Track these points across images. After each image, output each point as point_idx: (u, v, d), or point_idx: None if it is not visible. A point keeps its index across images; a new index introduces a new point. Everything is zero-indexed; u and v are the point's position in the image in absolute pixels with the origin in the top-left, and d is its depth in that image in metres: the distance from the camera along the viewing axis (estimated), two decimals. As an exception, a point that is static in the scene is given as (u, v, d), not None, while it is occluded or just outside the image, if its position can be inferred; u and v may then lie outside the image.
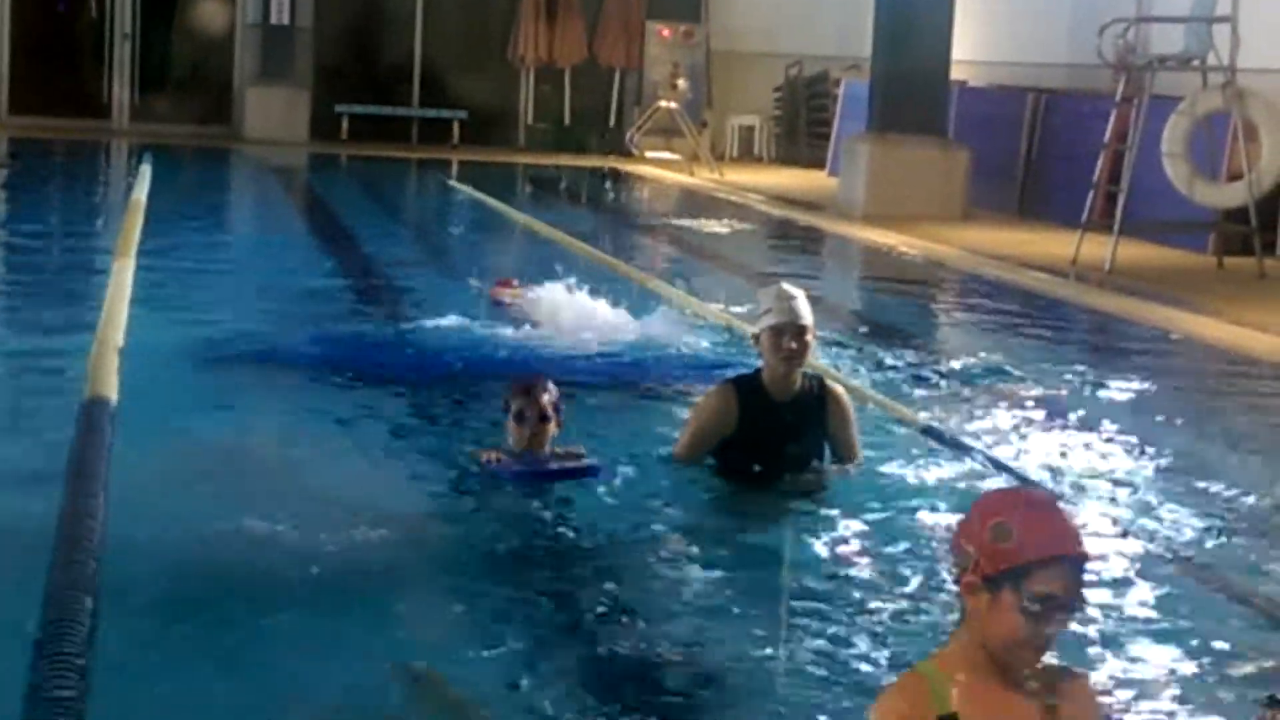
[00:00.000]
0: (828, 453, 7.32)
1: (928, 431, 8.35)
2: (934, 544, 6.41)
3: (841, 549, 6.42)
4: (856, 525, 6.68)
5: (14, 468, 6.94)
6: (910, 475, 7.46)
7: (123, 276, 11.53)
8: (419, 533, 6.49)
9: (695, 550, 6.35)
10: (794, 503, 6.94)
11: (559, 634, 5.46)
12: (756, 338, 7.18)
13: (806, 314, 7.07)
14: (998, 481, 7.36)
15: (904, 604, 5.84)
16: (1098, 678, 5.14)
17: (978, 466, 7.67)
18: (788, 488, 7.06)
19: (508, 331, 10.95)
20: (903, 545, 6.46)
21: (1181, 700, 5.09)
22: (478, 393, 8.93)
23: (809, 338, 7.10)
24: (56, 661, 4.67)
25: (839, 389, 7.44)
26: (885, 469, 7.51)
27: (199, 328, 10.32)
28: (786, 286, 7.21)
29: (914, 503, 7.04)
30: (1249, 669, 5.38)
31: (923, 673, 3.58)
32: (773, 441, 7.09)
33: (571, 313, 11.08)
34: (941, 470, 7.61)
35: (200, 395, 8.58)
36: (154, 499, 6.63)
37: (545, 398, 7.12)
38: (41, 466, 6.82)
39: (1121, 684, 5.18)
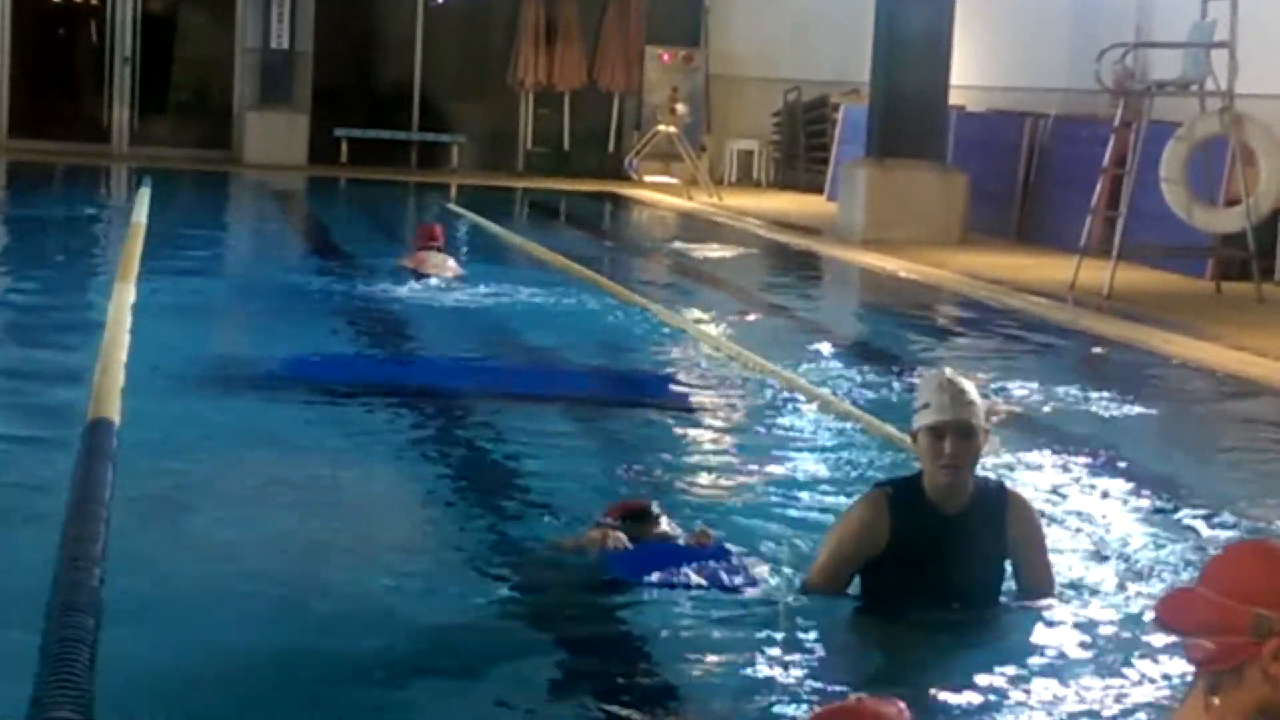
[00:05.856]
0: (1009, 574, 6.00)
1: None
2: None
3: (1019, 699, 5.22)
4: (1040, 673, 5.41)
5: (17, 491, 6.95)
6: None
7: (123, 299, 11.55)
8: (444, 615, 5.78)
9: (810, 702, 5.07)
10: (960, 640, 5.68)
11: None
12: (914, 436, 5.87)
13: (975, 410, 5.77)
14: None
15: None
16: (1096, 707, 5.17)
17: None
18: (953, 620, 5.78)
19: (508, 348, 11.03)
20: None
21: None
22: (490, 418, 8.98)
23: (980, 440, 5.79)
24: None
25: (1023, 496, 6.15)
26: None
27: (200, 350, 10.35)
28: (949, 375, 5.91)
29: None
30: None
31: None
32: (935, 563, 5.76)
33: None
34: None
35: (201, 419, 8.59)
36: (155, 524, 6.65)
37: (656, 531, 6.29)
38: (44, 489, 6.83)
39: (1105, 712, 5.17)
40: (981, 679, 5.28)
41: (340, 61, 27.49)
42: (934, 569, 5.74)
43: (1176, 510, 7.66)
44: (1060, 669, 5.45)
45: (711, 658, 5.43)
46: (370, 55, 28.12)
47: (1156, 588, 6.34)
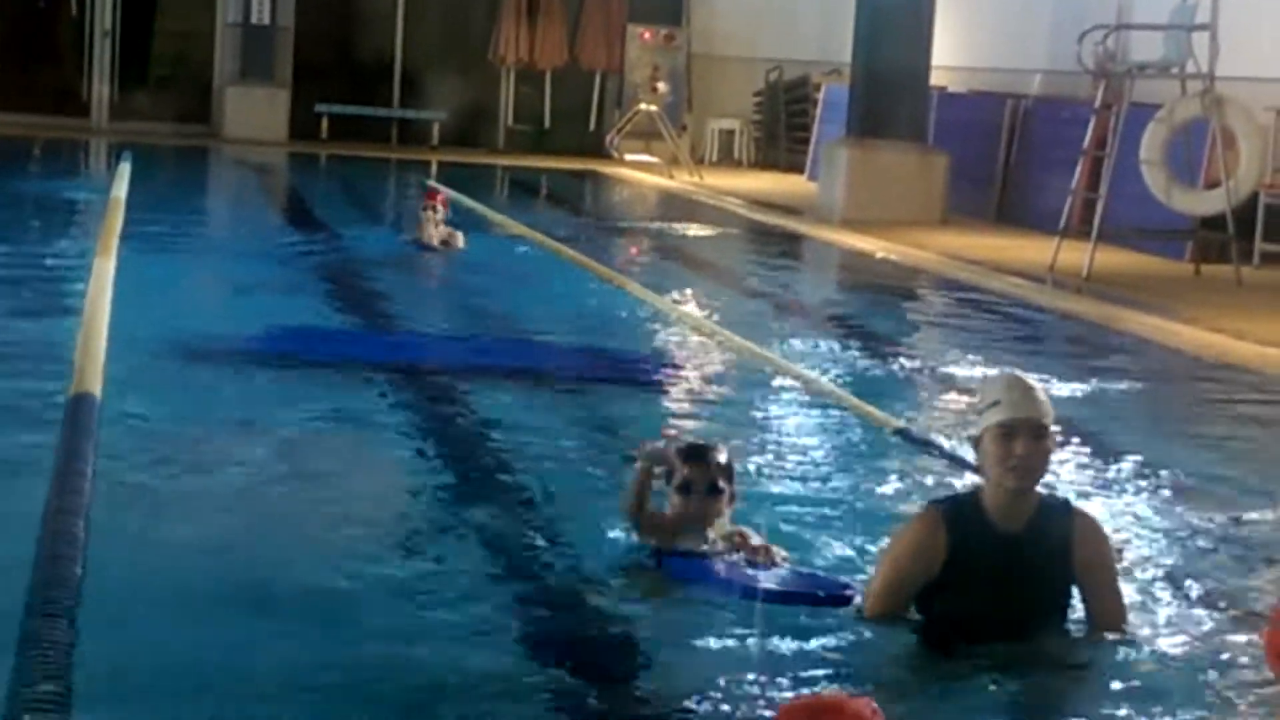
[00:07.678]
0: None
1: (902, 434, 8.40)
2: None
3: None
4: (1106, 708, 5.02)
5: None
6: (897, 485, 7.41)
7: (104, 274, 11.54)
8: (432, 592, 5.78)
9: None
10: (1024, 675, 5.20)
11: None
12: (976, 441, 5.40)
13: (1047, 410, 5.33)
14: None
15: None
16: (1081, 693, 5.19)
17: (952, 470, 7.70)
18: (1014, 648, 5.30)
19: (490, 324, 11.03)
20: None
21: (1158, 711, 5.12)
22: (472, 393, 9.00)
23: (1049, 443, 5.36)
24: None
25: (1092, 517, 5.66)
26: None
27: (181, 325, 10.34)
28: (1019, 375, 5.58)
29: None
30: (1225, 676, 5.40)
31: None
32: (995, 585, 5.32)
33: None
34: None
35: (182, 393, 8.60)
36: (137, 498, 6.66)
37: (717, 464, 6.02)
38: (26, 464, 6.83)
39: (1103, 693, 5.19)
40: (1040, 713, 5.03)
41: (321, 37, 27.42)
42: (994, 591, 5.31)
43: (1148, 491, 7.68)
44: (1129, 704, 5.05)
45: (762, 673, 5.07)
46: (352, 31, 28.04)
47: (1149, 583, 6.33)
